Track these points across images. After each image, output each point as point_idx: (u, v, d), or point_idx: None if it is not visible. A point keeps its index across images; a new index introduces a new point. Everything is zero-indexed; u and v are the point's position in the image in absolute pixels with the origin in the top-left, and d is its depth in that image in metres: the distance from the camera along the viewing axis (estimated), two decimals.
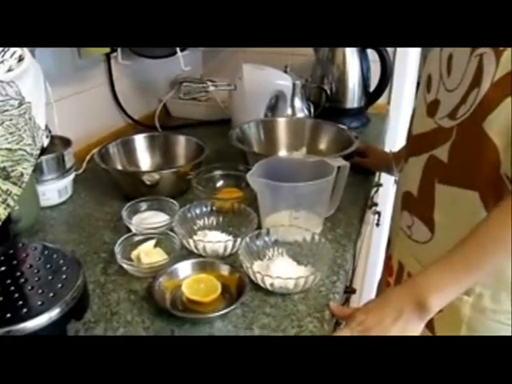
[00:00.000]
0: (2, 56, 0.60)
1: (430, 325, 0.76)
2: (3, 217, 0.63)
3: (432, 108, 0.78)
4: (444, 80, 0.75)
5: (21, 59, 0.63)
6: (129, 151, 1.14)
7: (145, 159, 1.16)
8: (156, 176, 0.98)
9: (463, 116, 0.71)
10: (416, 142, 0.83)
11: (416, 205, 0.82)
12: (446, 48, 0.75)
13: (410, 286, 0.67)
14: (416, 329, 0.65)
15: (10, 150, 0.62)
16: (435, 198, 0.77)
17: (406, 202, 0.86)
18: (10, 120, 0.62)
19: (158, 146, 1.17)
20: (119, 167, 1.10)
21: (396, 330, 0.64)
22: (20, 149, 0.63)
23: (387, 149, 1.71)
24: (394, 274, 0.92)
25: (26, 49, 0.65)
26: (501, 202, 0.65)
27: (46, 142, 0.71)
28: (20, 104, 0.63)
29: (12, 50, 0.63)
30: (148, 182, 0.98)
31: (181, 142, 1.16)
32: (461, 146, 0.72)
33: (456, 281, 0.65)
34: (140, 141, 1.16)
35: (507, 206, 0.63)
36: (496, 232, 0.63)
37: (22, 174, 0.64)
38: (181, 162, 1.14)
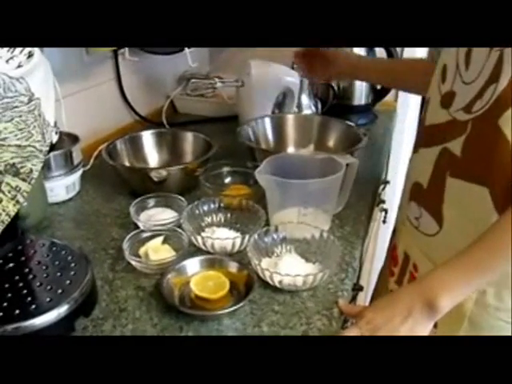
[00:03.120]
0: (12, 52, 0.60)
1: None
2: (13, 213, 0.63)
3: (447, 99, 0.76)
4: (461, 72, 0.74)
5: (30, 55, 0.62)
6: (136, 148, 1.14)
7: (152, 156, 1.16)
8: (164, 172, 0.98)
9: (479, 111, 0.70)
10: (428, 133, 0.82)
11: (425, 196, 0.82)
12: None
13: (420, 285, 0.66)
14: (425, 328, 0.65)
15: (19, 146, 0.62)
16: (445, 191, 0.76)
17: (414, 193, 0.85)
18: (20, 116, 0.62)
19: (165, 143, 1.17)
20: (127, 163, 1.10)
21: (405, 329, 0.64)
22: (29, 145, 0.63)
23: (395, 146, 1.71)
24: (398, 265, 0.91)
25: None
26: None
27: (55, 138, 0.71)
28: (29, 100, 0.63)
29: None
30: (156, 179, 0.98)
31: (188, 139, 1.16)
32: (475, 141, 0.71)
33: (467, 281, 0.64)
34: (147, 137, 1.16)
35: None
36: (509, 235, 0.62)
37: (31, 171, 0.64)
38: (188, 158, 1.14)
